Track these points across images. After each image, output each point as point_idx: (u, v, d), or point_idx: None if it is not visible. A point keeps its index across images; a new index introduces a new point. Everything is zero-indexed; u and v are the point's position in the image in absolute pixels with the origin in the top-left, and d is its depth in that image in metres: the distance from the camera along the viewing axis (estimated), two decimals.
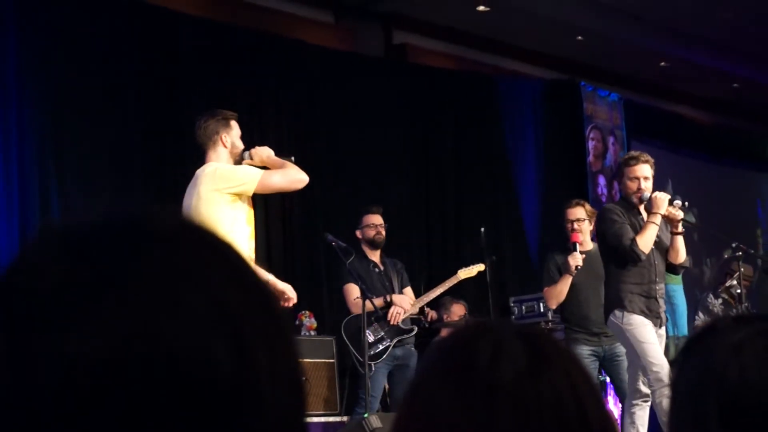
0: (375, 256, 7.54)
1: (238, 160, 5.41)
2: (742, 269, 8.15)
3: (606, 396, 7.99)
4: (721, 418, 1.14)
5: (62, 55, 7.53)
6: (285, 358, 0.74)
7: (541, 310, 8.87)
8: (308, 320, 7.97)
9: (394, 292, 7.41)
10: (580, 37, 11.05)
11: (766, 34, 11.23)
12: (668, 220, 6.21)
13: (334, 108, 9.40)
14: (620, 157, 6.50)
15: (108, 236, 0.73)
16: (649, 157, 6.26)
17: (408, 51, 10.47)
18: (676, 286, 10.21)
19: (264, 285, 0.76)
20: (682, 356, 1.24)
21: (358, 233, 7.57)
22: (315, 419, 7.22)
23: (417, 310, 7.63)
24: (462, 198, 10.38)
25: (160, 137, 8.15)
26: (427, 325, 8.20)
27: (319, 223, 8.74)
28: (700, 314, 10.31)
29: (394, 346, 7.33)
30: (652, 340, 5.96)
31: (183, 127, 8.20)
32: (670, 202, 6.14)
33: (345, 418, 7.28)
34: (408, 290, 7.61)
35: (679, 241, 6.23)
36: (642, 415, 6.07)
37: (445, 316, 8.51)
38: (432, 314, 8.22)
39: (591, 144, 11.72)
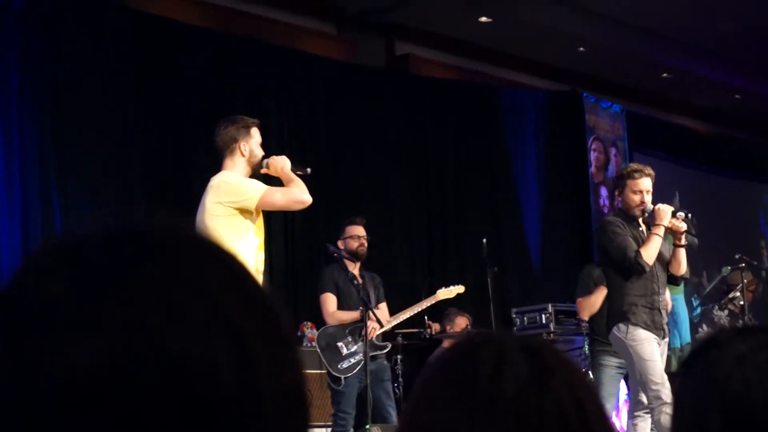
0: (355, 268, 7.27)
1: (257, 169, 5.32)
2: (745, 280, 8.14)
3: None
4: (724, 429, 1.14)
5: (63, 62, 7.56)
6: (287, 368, 0.74)
7: (543, 321, 8.87)
8: (310, 331, 7.95)
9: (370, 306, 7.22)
10: (582, 49, 11.06)
11: (767, 45, 11.24)
12: (671, 232, 6.21)
13: (336, 118, 9.41)
14: (621, 168, 6.48)
15: (110, 245, 0.73)
16: (651, 171, 6.26)
17: (410, 62, 10.48)
18: (677, 295, 10.19)
19: (267, 295, 0.76)
20: (684, 368, 1.24)
21: (340, 243, 7.34)
22: (317, 431, 7.20)
23: (390, 327, 7.48)
24: (463, 208, 10.38)
25: (162, 145, 8.16)
26: (429, 337, 8.18)
27: (321, 234, 8.74)
28: (705, 327, 10.30)
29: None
30: (655, 357, 5.95)
31: (184, 135, 8.24)
32: (674, 214, 6.14)
33: None
34: (383, 306, 7.42)
35: (682, 253, 6.23)
36: (644, 426, 6.07)
37: (448, 328, 8.50)
38: (435, 327, 8.19)
39: (593, 155, 11.73)
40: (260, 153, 5.33)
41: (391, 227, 9.62)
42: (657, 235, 6.06)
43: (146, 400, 0.67)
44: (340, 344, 7.06)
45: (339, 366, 6.98)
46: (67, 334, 0.68)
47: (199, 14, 8.83)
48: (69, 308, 0.69)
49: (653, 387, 5.86)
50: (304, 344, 7.82)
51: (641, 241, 6.09)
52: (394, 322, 7.40)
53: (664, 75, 12.14)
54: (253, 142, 5.32)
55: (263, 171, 5.34)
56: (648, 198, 6.16)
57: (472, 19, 10.16)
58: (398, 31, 10.38)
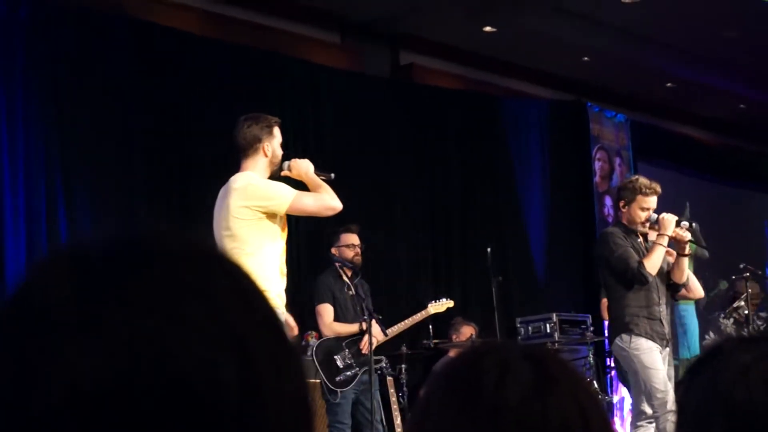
0: (348, 277, 7.18)
1: (277, 170, 5.17)
2: (750, 290, 8.13)
3: (612, 417, 7.96)
4: None
5: (67, 69, 7.58)
6: (291, 377, 0.74)
7: (548, 330, 8.86)
8: (314, 341, 7.94)
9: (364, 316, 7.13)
10: (586, 58, 11.06)
11: None
12: (675, 242, 6.21)
13: (340, 127, 9.41)
14: (630, 180, 6.46)
15: (115, 252, 0.74)
16: (660, 189, 6.27)
17: (414, 71, 10.49)
18: (687, 306, 10.18)
19: (271, 305, 0.77)
20: (688, 377, 1.24)
21: (333, 251, 7.27)
22: None
23: (384, 341, 7.42)
24: (468, 218, 10.37)
25: (166, 152, 8.17)
26: (433, 345, 8.17)
27: (325, 242, 8.73)
28: (711, 334, 10.28)
29: (363, 374, 7.16)
30: (658, 366, 5.97)
31: (186, 139, 8.25)
32: (678, 224, 6.15)
33: None
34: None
35: (684, 262, 6.24)
36: None
37: (454, 337, 8.50)
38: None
39: (597, 165, 11.72)
40: (281, 153, 5.18)
41: (395, 236, 9.61)
42: (660, 245, 6.08)
43: (148, 404, 0.67)
44: (336, 357, 7.03)
45: (336, 379, 6.95)
46: (70, 338, 0.68)
47: (203, 23, 8.84)
48: (71, 312, 0.69)
49: (658, 395, 5.87)
50: (309, 354, 7.81)
51: (641, 253, 6.12)
52: (390, 336, 7.31)
53: (669, 84, 12.13)
54: (275, 141, 5.17)
55: (284, 173, 5.20)
56: (652, 215, 6.20)
57: (476, 28, 10.17)
58: (403, 40, 10.39)
